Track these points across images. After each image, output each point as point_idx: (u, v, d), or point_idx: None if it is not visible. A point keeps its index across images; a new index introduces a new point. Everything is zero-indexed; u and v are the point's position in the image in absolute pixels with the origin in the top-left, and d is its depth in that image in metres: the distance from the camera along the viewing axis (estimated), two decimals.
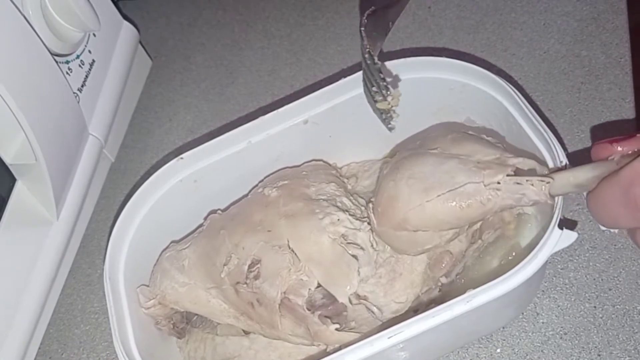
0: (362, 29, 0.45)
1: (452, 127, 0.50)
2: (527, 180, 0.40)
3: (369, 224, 0.47)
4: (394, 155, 0.49)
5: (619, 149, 0.35)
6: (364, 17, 0.46)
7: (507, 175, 0.41)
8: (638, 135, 0.35)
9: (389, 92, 0.45)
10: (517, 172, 0.42)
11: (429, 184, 0.43)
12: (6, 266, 0.51)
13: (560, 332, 0.48)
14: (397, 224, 0.44)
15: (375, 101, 0.46)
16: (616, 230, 0.37)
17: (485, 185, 0.41)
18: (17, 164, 0.50)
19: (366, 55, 0.45)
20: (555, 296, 0.50)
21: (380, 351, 0.39)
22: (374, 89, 0.45)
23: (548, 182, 0.39)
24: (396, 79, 0.50)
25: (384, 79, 0.44)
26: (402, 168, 0.45)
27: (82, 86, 0.58)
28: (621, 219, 0.33)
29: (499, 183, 0.41)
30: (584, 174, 0.36)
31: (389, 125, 0.46)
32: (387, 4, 0.49)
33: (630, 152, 0.35)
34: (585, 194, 0.37)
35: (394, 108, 0.45)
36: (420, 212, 0.43)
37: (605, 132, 0.56)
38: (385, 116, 0.46)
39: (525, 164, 0.42)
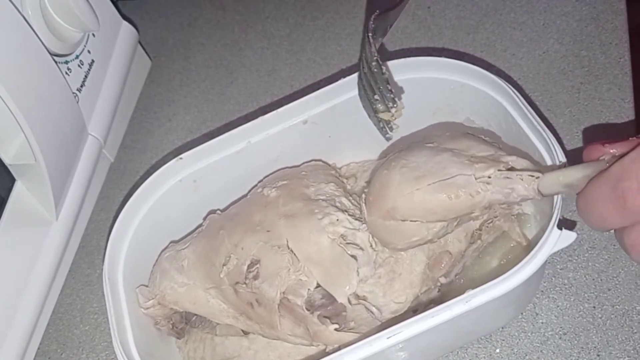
0: (370, 34, 0.45)
1: (451, 127, 0.50)
2: (517, 175, 0.40)
3: None
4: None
5: (611, 150, 0.35)
6: (371, 22, 0.45)
7: (499, 171, 0.41)
8: (632, 138, 0.34)
9: (395, 105, 0.44)
10: (510, 170, 0.42)
11: (420, 173, 0.43)
12: (5, 266, 0.51)
13: (560, 332, 0.48)
14: (385, 213, 0.44)
15: (375, 110, 0.45)
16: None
17: (476, 179, 0.41)
18: (17, 164, 0.50)
19: (373, 63, 0.44)
20: (555, 296, 0.50)
21: (379, 351, 0.39)
22: (376, 97, 0.45)
23: (537, 178, 0.39)
24: (398, 90, 0.49)
25: (391, 91, 0.44)
26: (396, 158, 0.45)
27: (82, 86, 0.58)
28: (609, 217, 0.33)
29: (489, 177, 0.41)
30: (574, 174, 0.36)
31: (387, 135, 0.46)
32: (389, 7, 0.49)
33: (621, 153, 0.34)
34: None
35: (396, 120, 0.45)
36: (409, 201, 0.43)
37: (604, 132, 0.56)
38: (384, 125, 0.46)
39: (518, 162, 0.42)
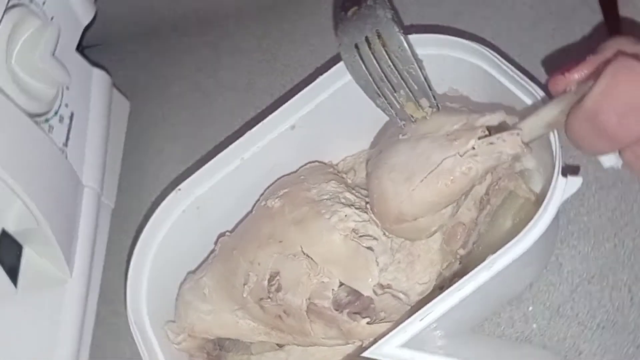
0: (402, 37, 0.44)
1: None
2: (498, 138, 0.40)
3: None
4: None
5: (575, 77, 0.35)
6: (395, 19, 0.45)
7: (479, 138, 0.41)
8: (588, 58, 0.35)
9: (435, 108, 0.45)
10: (490, 130, 0.41)
11: (409, 173, 0.43)
12: (30, 331, 0.51)
13: (587, 277, 0.48)
14: (395, 219, 0.44)
15: (390, 99, 0.45)
16: (619, 165, 0.36)
17: (461, 156, 0.41)
18: (20, 230, 0.50)
19: (412, 65, 0.44)
20: (575, 243, 0.50)
21: (414, 335, 0.39)
22: (402, 92, 0.45)
23: (518, 133, 0.39)
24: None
25: (434, 97, 0.45)
26: (380, 164, 0.45)
27: (67, 140, 0.58)
28: (601, 149, 0.34)
29: (473, 148, 0.41)
30: (549, 113, 0.36)
31: (402, 122, 0.47)
32: None
33: (585, 77, 0.34)
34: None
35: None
36: (411, 203, 0.43)
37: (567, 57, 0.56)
38: (399, 113, 0.46)
39: (493, 119, 0.42)
